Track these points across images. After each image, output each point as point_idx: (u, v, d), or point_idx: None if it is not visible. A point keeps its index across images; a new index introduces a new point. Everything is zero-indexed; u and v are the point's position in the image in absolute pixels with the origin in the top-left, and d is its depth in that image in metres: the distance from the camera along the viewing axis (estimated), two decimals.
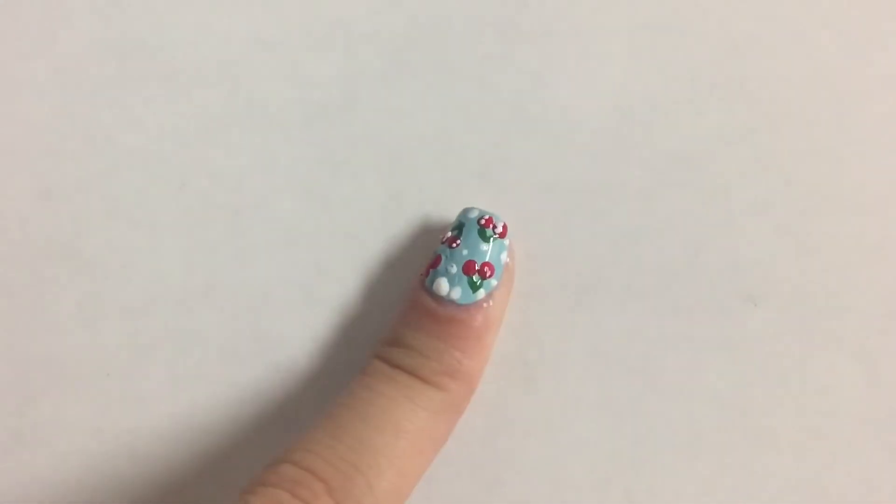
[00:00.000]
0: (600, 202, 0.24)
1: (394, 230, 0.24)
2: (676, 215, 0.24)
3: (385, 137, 0.25)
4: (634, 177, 0.25)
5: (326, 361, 0.24)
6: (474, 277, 0.22)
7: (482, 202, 0.24)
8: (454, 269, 0.22)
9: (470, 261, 0.22)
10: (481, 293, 0.22)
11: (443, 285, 0.22)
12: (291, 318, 0.24)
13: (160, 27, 0.25)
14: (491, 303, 0.22)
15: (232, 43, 0.25)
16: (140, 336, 0.24)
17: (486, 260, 0.22)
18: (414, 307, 0.22)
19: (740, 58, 0.25)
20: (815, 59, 0.25)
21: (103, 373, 0.24)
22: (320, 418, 0.21)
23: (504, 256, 0.22)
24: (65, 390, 0.23)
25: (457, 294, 0.22)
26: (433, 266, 0.22)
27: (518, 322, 0.24)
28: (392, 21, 0.25)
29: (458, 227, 0.22)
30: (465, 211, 0.23)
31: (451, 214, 0.24)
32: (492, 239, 0.22)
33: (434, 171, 0.25)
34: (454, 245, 0.22)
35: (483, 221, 0.22)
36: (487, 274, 0.22)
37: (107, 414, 0.23)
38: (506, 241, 0.22)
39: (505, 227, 0.22)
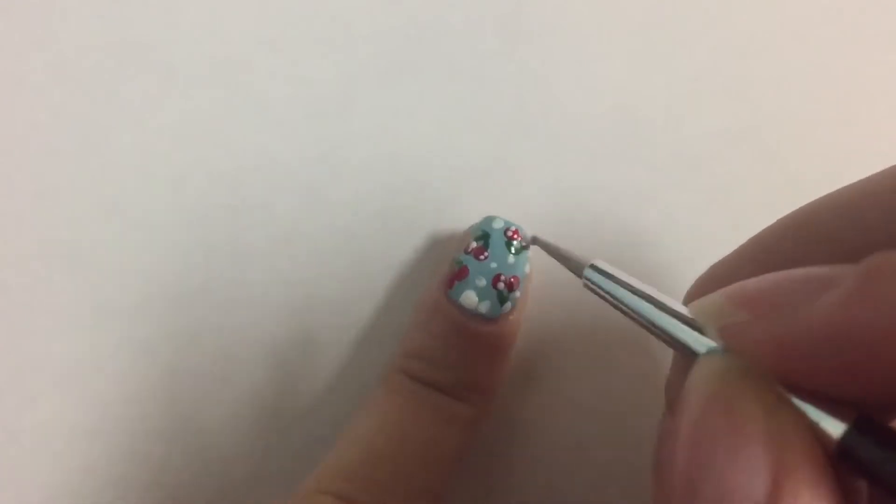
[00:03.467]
0: (600, 202, 0.24)
1: (394, 230, 0.24)
2: (676, 215, 0.24)
3: (385, 137, 0.25)
4: (634, 177, 0.25)
5: (326, 362, 0.24)
6: (502, 290, 0.21)
7: (482, 201, 0.24)
8: (483, 283, 0.21)
9: (498, 274, 0.21)
10: (507, 306, 0.21)
11: (472, 298, 0.21)
12: (291, 318, 0.24)
13: (159, 26, 0.24)
14: (515, 314, 0.22)
15: (232, 42, 0.25)
16: (140, 336, 0.24)
17: (514, 273, 0.21)
18: (438, 319, 0.21)
19: (740, 58, 0.25)
20: (815, 59, 0.25)
21: (103, 373, 0.24)
22: (353, 440, 0.20)
23: (526, 268, 0.22)
24: (65, 390, 0.23)
25: (485, 307, 0.21)
26: (459, 278, 0.21)
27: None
28: (392, 20, 0.25)
29: (484, 238, 0.22)
30: (489, 220, 0.22)
31: (451, 214, 0.24)
32: (516, 250, 0.22)
33: (434, 171, 0.25)
34: (482, 257, 0.21)
35: (510, 233, 0.22)
36: (514, 286, 0.21)
37: (107, 414, 0.23)
38: (528, 252, 0.22)
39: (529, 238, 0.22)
